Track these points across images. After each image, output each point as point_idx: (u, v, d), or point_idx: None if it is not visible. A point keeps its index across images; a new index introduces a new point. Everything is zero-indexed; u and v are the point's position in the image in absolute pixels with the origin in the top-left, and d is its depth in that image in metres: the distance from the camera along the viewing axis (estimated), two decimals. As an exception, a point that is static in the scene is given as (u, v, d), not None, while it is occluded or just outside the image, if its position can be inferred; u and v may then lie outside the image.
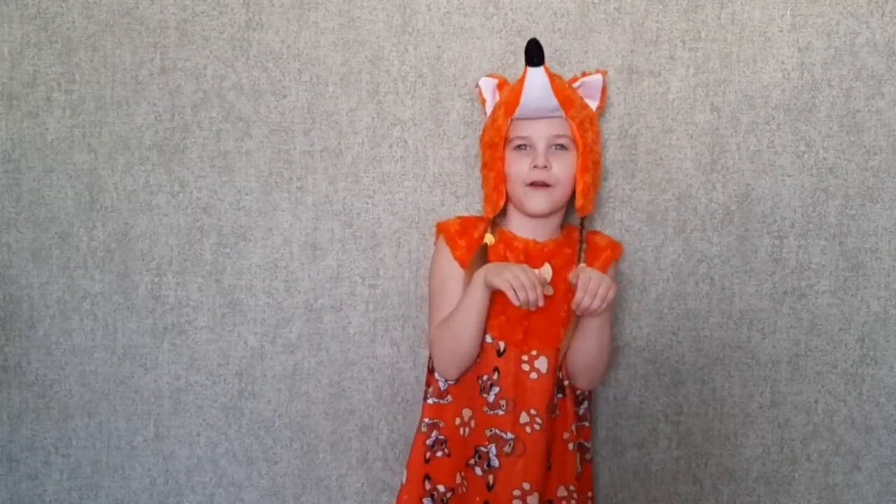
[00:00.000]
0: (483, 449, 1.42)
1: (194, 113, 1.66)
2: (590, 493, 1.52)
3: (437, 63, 1.63)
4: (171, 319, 1.68)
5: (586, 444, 1.52)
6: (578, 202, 1.44)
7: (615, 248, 1.51)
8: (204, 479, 1.70)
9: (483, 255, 1.43)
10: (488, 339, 1.42)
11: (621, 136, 1.62)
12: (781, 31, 1.61)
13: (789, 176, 1.62)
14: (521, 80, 1.40)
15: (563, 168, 1.43)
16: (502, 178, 1.45)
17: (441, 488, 1.44)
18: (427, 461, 1.45)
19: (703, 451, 1.65)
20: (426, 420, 1.47)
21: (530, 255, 1.44)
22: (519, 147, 1.43)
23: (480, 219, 1.51)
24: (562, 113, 1.42)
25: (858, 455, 1.64)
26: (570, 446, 1.44)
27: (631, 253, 1.63)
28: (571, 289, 1.36)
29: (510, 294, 1.31)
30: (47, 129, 1.68)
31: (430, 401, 1.47)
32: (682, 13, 1.61)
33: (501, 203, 1.46)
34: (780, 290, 1.63)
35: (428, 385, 1.49)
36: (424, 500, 1.45)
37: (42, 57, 1.67)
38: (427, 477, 1.45)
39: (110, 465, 1.71)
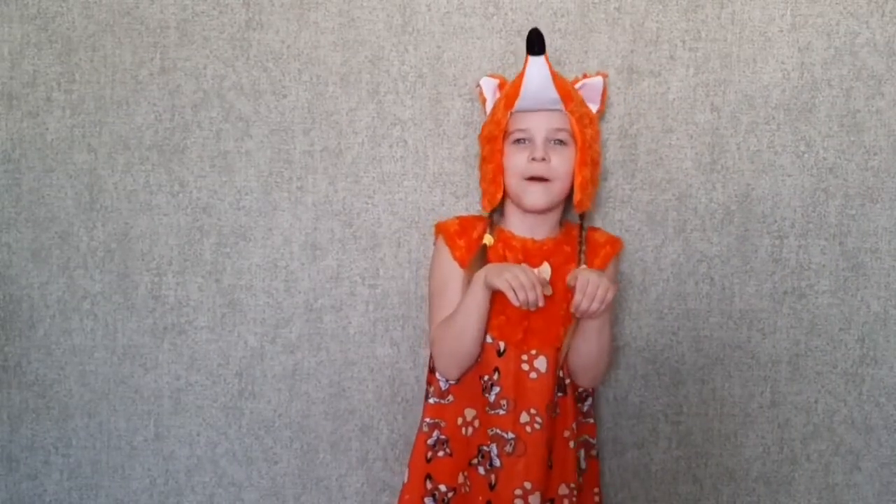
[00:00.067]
0: (485, 448, 1.42)
1: (194, 113, 1.66)
2: (596, 489, 1.52)
3: (437, 63, 1.63)
4: (171, 319, 1.68)
5: (591, 440, 1.51)
6: (576, 197, 1.44)
7: (615, 244, 1.50)
8: (204, 479, 1.70)
9: (482, 256, 1.43)
10: (488, 339, 1.42)
11: (621, 136, 1.62)
12: (781, 31, 1.61)
13: (789, 176, 1.62)
14: (522, 72, 1.41)
15: (561, 163, 1.43)
16: (500, 171, 1.45)
17: (442, 488, 1.44)
18: (428, 461, 1.45)
19: (703, 451, 1.65)
20: (427, 420, 1.47)
21: (529, 254, 1.44)
22: (518, 141, 1.44)
23: (479, 218, 1.51)
24: (561, 106, 1.42)
25: (858, 455, 1.65)
26: (571, 444, 1.44)
27: (631, 253, 1.63)
28: (571, 289, 1.36)
29: (510, 295, 1.31)
30: (47, 129, 1.68)
31: (431, 400, 1.47)
32: (682, 13, 1.61)
33: (499, 196, 1.46)
34: (780, 290, 1.63)
35: (429, 385, 1.49)
36: (426, 500, 1.45)
37: (42, 57, 1.67)
38: (428, 476, 1.45)
39: (110, 465, 1.71)
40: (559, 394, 1.43)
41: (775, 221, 1.62)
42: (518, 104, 1.42)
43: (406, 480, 1.47)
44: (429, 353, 1.49)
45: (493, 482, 1.41)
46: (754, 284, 1.63)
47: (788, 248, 1.63)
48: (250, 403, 1.69)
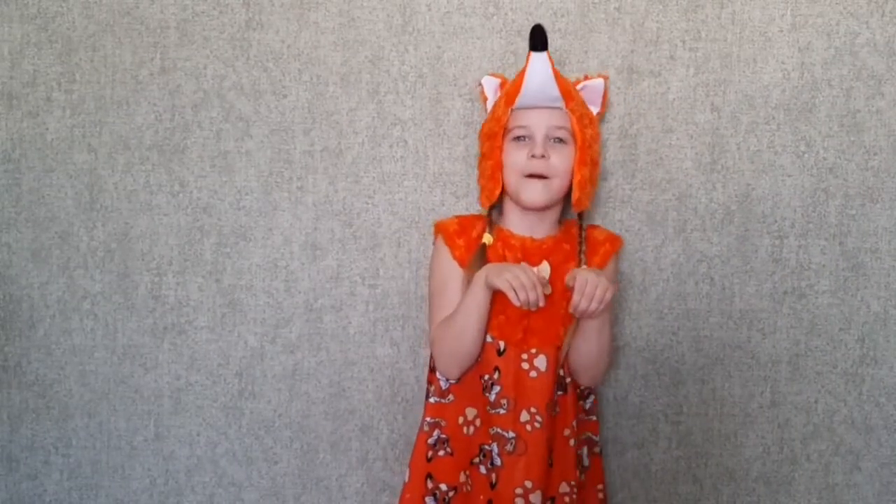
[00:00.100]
0: (487, 447, 1.42)
1: (194, 113, 1.66)
2: (600, 486, 1.51)
3: (437, 63, 1.63)
4: (171, 319, 1.68)
5: (594, 437, 1.51)
6: (575, 195, 1.44)
7: (614, 241, 1.50)
8: (204, 479, 1.70)
9: (482, 256, 1.44)
10: (488, 338, 1.42)
11: (621, 136, 1.62)
12: (781, 31, 1.61)
13: (789, 176, 1.62)
14: (524, 68, 1.41)
15: (561, 161, 1.43)
16: (499, 168, 1.45)
17: (443, 487, 1.44)
18: (429, 460, 1.46)
19: (703, 451, 1.65)
20: (428, 419, 1.47)
21: (528, 253, 1.44)
22: (518, 138, 1.44)
23: (478, 217, 1.51)
24: (562, 104, 1.42)
25: (858, 455, 1.65)
26: (571, 443, 1.44)
27: (631, 253, 1.63)
28: (569, 289, 1.36)
29: (510, 294, 1.31)
30: (47, 129, 1.68)
31: (431, 400, 1.47)
32: (682, 13, 1.61)
33: (497, 192, 1.46)
34: (780, 290, 1.63)
35: (429, 384, 1.49)
36: (427, 499, 1.45)
37: (42, 57, 1.67)
38: (429, 476, 1.45)
39: (110, 465, 1.71)
40: (559, 392, 1.43)
41: (775, 221, 1.62)
42: (519, 101, 1.42)
43: (407, 480, 1.47)
44: (429, 353, 1.49)
45: (493, 481, 1.41)
46: (754, 284, 1.63)
47: (788, 248, 1.63)
48: (250, 403, 1.69)
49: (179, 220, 1.67)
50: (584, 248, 1.47)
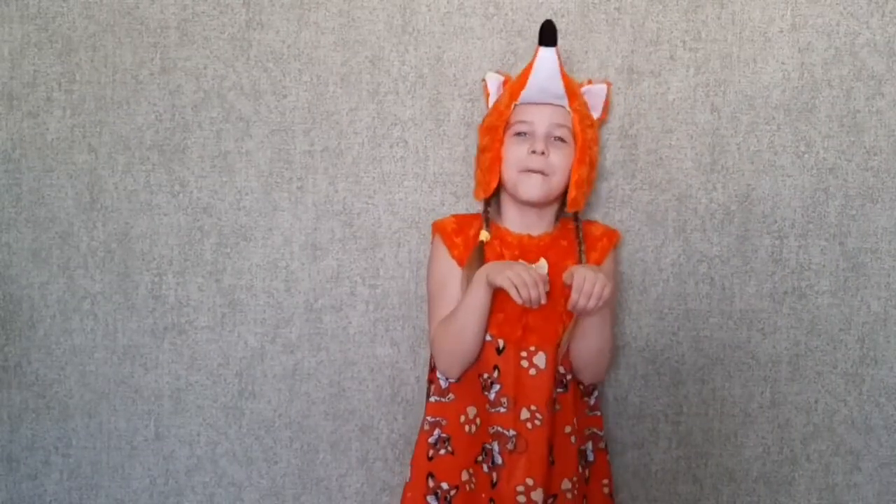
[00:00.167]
0: (488, 446, 1.42)
1: (194, 113, 1.66)
2: (605, 481, 1.51)
3: (437, 63, 1.63)
4: (171, 319, 1.68)
5: (599, 432, 1.51)
6: (571, 194, 1.44)
7: (612, 236, 1.51)
8: (204, 479, 1.70)
9: (480, 253, 1.44)
10: (487, 337, 1.42)
11: (621, 136, 1.62)
12: (781, 31, 1.61)
13: (789, 176, 1.62)
14: (530, 63, 1.42)
15: (559, 159, 1.43)
16: (498, 161, 1.45)
17: (445, 486, 1.44)
18: (430, 459, 1.46)
19: (703, 451, 1.65)
20: (429, 418, 1.47)
21: (525, 250, 1.44)
22: (519, 134, 1.44)
23: (476, 217, 1.51)
24: (566, 102, 1.43)
25: (858, 455, 1.65)
26: (573, 440, 1.44)
27: (631, 253, 1.63)
28: (567, 286, 1.36)
29: (512, 292, 1.32)
30: (47, 129, 1.68)
31: (432, 399, 1.47)
32: (682, 13, 1.61)
33: (494, 185, 1.46)
34: (780, 290, 1.63)
35: (430, 383, 1.49)
36: (428, 498, 1.45)
37: (42, 57, 1.67)
38: (430, 475, 1.45)
39: (110, 465, 1.71)
40: (559, 390, 1.43)
41: (775, 221, 1.62)
42: (524, 95, 1.43)
43: (408, 479, 1.47)
44: (429, 353, 1.49)
45: (495, 480, 1.41)
46: (754, 284, 1.63)
47: (788, 248, 1.63)
48: (250, 403, 1.69)
49: (179, 220, 1.67)
50: (583, 246, 1.47)
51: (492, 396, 1.42)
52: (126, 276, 1.68)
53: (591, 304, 1.33)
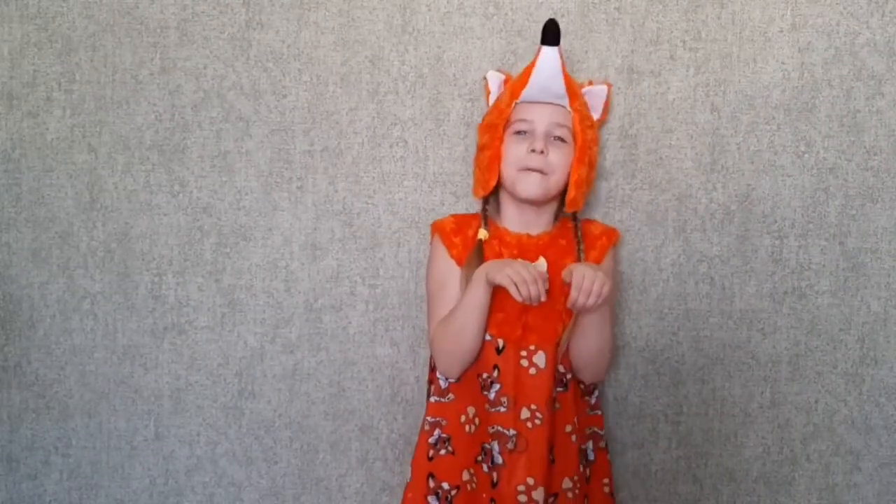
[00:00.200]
0: (487, 446, 1.42)
1: (194, 113, 1.66)
2: (606, 480, 1.51)
3: (437, 63, 1.63)
4: (171, 319, 1.68)
5: (599, 431, 1.51)
6: (570, 194, 1.44)
7: (611, 235, 1.51)
8: (204, 479, 1.70)
9: (479, 252, 1.44)
10: (487, 336, 1.42)
11: (621, 136, 1.62)
12: (781, 31, 1.61)
13: (789, 176, 1.62)
14: (532, 62, 1.42)
15: (558, 158, 1.43)
16: (497, 159, 1.45)
17: (445, 486, 1.44)
18: (430, 459, 1.45)
19: (703, 451, 1.65)
20: (429, 418, 1.47)
21: (524, 249, 1.44)
22: (519, 132, 1.44)
23: (475, 216, 1.51)
24: (566, 102, 1.43)
25: (858, 455, 1.65)
26: (573, 439, 1.44)
27: (631, 253, 1.63)
28: (566, 284, 1.36)
29: (512, 290, 1.31)
30: (47, 128, 1.68)
31: (432, 399, 1.47)
32: (682, 13, 1.61)
33: (492, 183, 1.46)
34: (780, 290, 1.63)
35: (430, 383, 1.49)
36: (429, 498, 1.45)
37: (42, 57, 1.67)
38: (431, 475, 1.45)
39: (110, 465, 1.71)
40: (559, 389, 1.43)
41: (775, 221, 1.62)
42: (525, 94, 1.43)
43: (409, 479, 1.47)
44: (429, 353, 1.49)
45: (495, 480, 1.41)
46: (754, 284, 1.63)
47: (788, 248, 1.63)
48: (250, 403, 1.69)
49: (179, 220, 1.67)
50: (582, 245, 1.47)
51: (492, 396, 1.42)
52: (126, 275, 1.68)
53: (591, 301, 1.33)
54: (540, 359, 1.41)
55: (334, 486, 1.69)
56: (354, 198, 1.66)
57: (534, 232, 1.47)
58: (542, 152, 1.42)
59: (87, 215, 1.68)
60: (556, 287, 1.40)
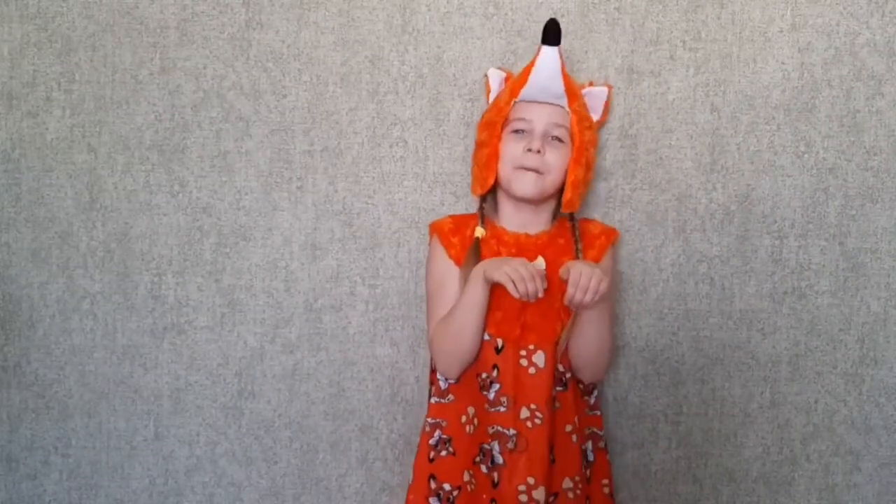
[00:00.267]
0: (487, 447, 1.42)
1: (194, 113, 1.66)
2: (605, 481, 1.50)
3: (437, 63, 1.63)
4: (170, 319, 1.68)
5: (599, 432, 1.51)
6: (567, 195, 1.44)
7: (610, 234, 1.51)
8: (204, 479, 1.70)
9: (476, 250, 1.44)
10: (486, 336, 1.42)
11: (621, 136, 1.62)
12: (781, 31, 1.61)
13: (789, 176, 1.62)
14: (532, 61, 1.42)
15: (555, 158, 1.43)
16: (495, 157, 1.45)
17: (447, 487, 1.44)
18: (431, 460, 1.45)
19: (703, 451, 1.65)
20: (429, 419, 1.47)
21: (522, 249, 1.44)
22: (517, 131, 1.44)
23: (473, 216, 1.51)
24: (565, 103, 1.43)
25: (858, 455, 1.64)
26: (574, 438, 1.44)
27: (631, 253, 1.63)
28: (564, 281, 1.36)
29: (510, 287, 1.31)
30: (47, 128, 1.67)
31: (433, 400, 1.47)
32: (682, 13, 1.61)
33: (490, 181, 1.46)
34: (780, 290, 1.63)
35: (430, 384, 1.49)
36: (431, 500, 1.45)
37: (42, 57, 1.67)
38: (432, 476, 1.45)
39: (110, 465, 1.70)
40: (559, 388, 1.43)
41: (775, 221, 1.62)
42: (524, 93, 1.43)
43: (411, 481, 1.47)
44: (429, 353, 1.49)
45: (496, 480, 1.41)
46: (754, 284, 1.63)
47: (788, 248, 1.63)
48: (250, 403, 1.69)
49: (179, 220, 1.67)
50: (580, 244, 1.47)
51: (491, 396, 1.42)
52: (125, 275, 1.68)
53: (588, 298, 1.32)
54: (539, 358, 1.41)
55: (334, 486, 1.69)
56: (354, 198, 1.66)
57: (532, 231, 1.47)
58: (538, 152, 1.42)
59: (86, 215, 1.68)
60: (555, 286, 1.40)
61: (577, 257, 1.45)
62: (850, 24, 1.60)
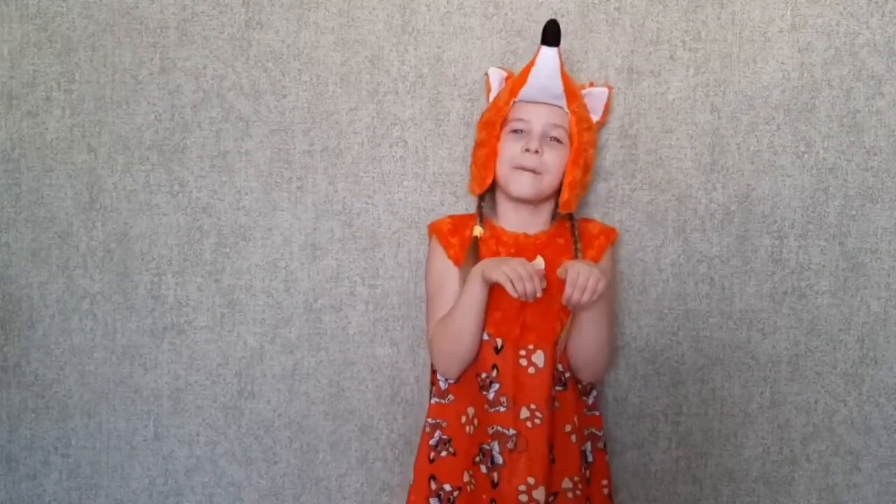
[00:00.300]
0: (486, 447, 1.42)
1: (194, 113, 1.66)
2: (604, 482, 1.50)
3: (437, 63, 1.63)
4: (170, 319, 1.68)
5: (598, 432, 1.51)
6: (564, 195, 1.44)
7: (609, 234, 1.51)
8: (203, 479, 1.70)
9: (475, 250, 1.44)
10: (485, 336, 1.42)
11: (621, 136, 1.62)
12: (781, 31, 1.61)
13: (789, 176, 1.62)
14: (531, 61, 1.42)
15: (553, 159, 1.44)
16: (493, 156, 1.45)
17: (447, 487, 1.44)
18: (431, 461, 1.45)
19: (703, 451, 1.65)
20: (430, 420, 1.47)
21: (521, 249, 1.44)
22: (515, 131, 1.45)
23: (471, 216, 1.51)
24: (564, 103, 1.43)
25: (858, 455, 1.64)
26: (573, 438, 1.44)
27: (631, 253, 1.63)
28: (562, 281, 1.36)
29: (508, 286, 1.31)
30: (47, 128, 1.68)
31: (433, 401, 1.47)
32: (682, 13, 1.61)
33: (489, 181, 1.46)
34: (780, 290, 1.63)
35: (431, 385, 1.49)
36: (431, 500, 1.45)
37: (42, 57, 1.67)
38: (433, 477, 1.45)
39: (110, 465, 1.70)
40: (559, 388, 1.43)
41: (775, 221, 1.62)
42: (523, 93, 1.43)
43: (411, 481, 1.47)
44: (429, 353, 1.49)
45: (496, 480, 1.41)
46: (754, 284, 1.63)
47: (788, 248, 1.63)
48: (250, 403, 1.69)
49: (179, 220, 1.67)
50: (579, 244, 1.47)
51: (491, 396, 1.42)
52: (125, 275, 1.68)
53: (585, 297, 1.32)
54: (539, 358, 1.41)
55: (334, 486, 1.69)
56: (354, 198, 1.66)
57: (531, 231, 1.47)
58: (536, 152, 1.42)
59: (86, 215, 1.68)
60: (554, 286, 1.40)
61: (576, 257, 1.45)
62: (850, 24, 1.60)
